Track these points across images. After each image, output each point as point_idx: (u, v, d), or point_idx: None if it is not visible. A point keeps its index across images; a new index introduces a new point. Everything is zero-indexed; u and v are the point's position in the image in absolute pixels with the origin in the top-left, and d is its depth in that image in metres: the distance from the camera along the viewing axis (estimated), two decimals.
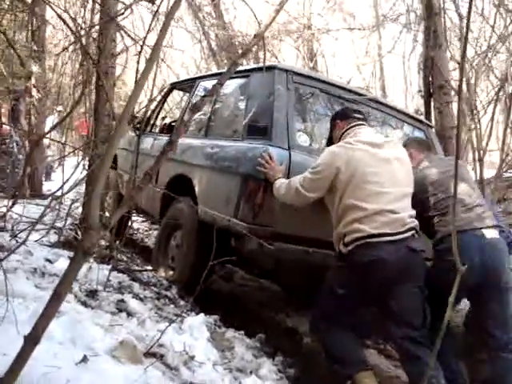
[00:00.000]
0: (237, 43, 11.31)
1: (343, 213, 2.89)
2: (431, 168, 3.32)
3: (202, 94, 4.47)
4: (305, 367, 3.36)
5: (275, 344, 3.62)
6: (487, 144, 9.98)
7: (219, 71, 5.07)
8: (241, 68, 4.04)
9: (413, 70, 11.74)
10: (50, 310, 1.29)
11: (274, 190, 3.19)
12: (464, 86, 10.68)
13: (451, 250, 2.72)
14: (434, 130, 4.90)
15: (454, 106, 6.69)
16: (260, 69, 3.87)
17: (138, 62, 3.45)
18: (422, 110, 10.16)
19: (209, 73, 5.72)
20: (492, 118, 10.37)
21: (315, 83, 3.78)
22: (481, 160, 9.03)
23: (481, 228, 3.03)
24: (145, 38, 4.07)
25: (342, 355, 2.94)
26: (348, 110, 3.35)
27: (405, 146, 3.46)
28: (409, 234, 2.85)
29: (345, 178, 2.88)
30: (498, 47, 9.75)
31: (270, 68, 3.66)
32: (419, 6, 9.01)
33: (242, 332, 3.48)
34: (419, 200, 3.12)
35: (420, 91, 10.46)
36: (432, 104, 6.22)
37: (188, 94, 5.13)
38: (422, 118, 5.08)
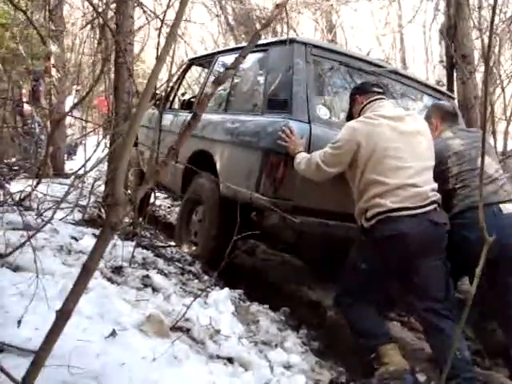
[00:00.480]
0: (254, 17, 11.18)
1: (364, 188, 2.88)
2: (454, 139, 3.24)
3: (222, 69, 4.48)
4: (329, 340, 3.39)
5: (299, 317, 3.66)
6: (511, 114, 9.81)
7: (238, 46, 5.06)
8: (259, 42, 3.69)
9: (434, 40, 11.50)
10: (80, 285, 1.31)
11: (295, 165, 3.19)
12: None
13: (468, 224, 2.83)
14: (456, 101, 4.83)
15: (478, 77, 6.57)
16: (279, 42, 3.86)
17: (158, 37, 3.44)
18: (444, 80, 10.02)
19: (227, 48, 5.70)
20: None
21: (334, 56, 3.75)
22: (506, 130, 8.90)
23: (498, 202, 2.97)
24: (164, 13, 4.07)
25: (366, 329, 2.97)
26: (367, 85, 3.30)
27: (428, 113, 3.43)
28: (431, 207, 2.83)
29: (366, 153, 2.86)
30: None
31: (289, 41, 3.62)
32: None
33: (267, 306, 3.52)
34: (439, 171, 3.06)
35: (442, 61, 10.25)
36: (455, 74, 6.08)
37: (207, 70, 5.12)
38: (444, 89, 5.02)
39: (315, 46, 3.67)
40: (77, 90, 10.92)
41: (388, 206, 2.77)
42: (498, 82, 9.19)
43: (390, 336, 3.00)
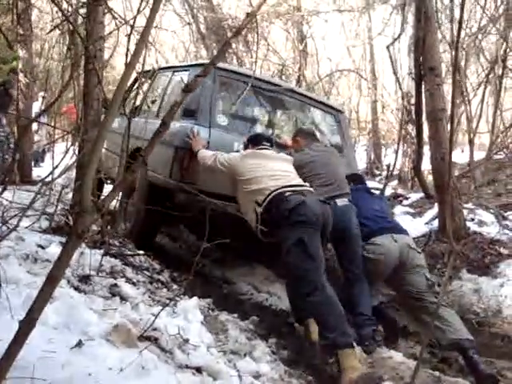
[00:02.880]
0: (226, 26, 11.20)
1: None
2: (309, 153, 4.30)
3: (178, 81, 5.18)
4: (298, 349, 3.39)
5: (268, 326, 3.65)
6: (477, 126, 10.06)
7: (195, 62, 5.95)
8: (184, 64, 5.83)
9: (403, 52, 11.70)
10: (45, 294, 1.28)
11: (199, 157, 4.16)
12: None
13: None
14: (344, 114, 5.89)
15: (445, 89, 6.71)
16: (197, 65, 5.12)
17: (128, 43, 3.42)
18: (412, 92, 10.21)
19: (185, 64, 6.50)
20: (482, 100, 10.45)
21: (238, 76, 4.78)
22: (471, 142, 9.12)
23: (334, 197, 4.04)
24: (134, 19, 4.05)
25: (330, 327, 3.19)
26: (260, 137, 4.24)
27: (295, 133, 4.60)
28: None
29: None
30: (488, 29, 9.77)
31: (202, 65, 4.46)
32: None
33: (235, 315, 3.51)
34: (301, 174, 4.02)
35: (411, 73, 10.46)
36: (423, 86, 6.21)
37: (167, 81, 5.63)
38: (334, 104, 6.21)
39: (222, 69, 4.70)
40: (43, 97, 10.75)
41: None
42: (464, 94, 9.44)
43: (350, 340, 3.17)
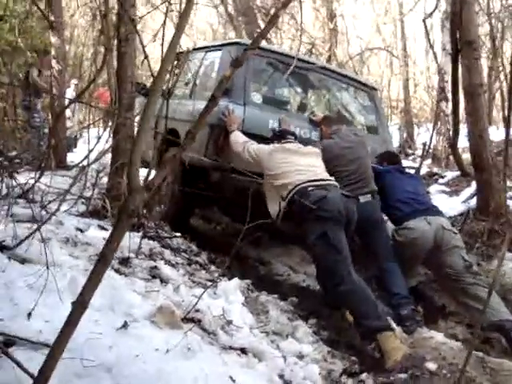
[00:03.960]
0: (254, 6, 11.07)
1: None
2: (337, 143, 4.24)
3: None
4: (339, 330, 3.37)
5: (308, 307, 3.64)
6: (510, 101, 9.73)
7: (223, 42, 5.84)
8: (216, 43, 5.63)
9: (436, 28, 11.42)
10: (97, 275, 1.27)
11: (231, 139, 4.12)
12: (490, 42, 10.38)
13: None
14: (378, 92, 5.80)
15: (483, 63, 6.50)
16: (228, 44, 5.01)
17: (164, 25, 3.41)
18: (446, 68, 9.95)
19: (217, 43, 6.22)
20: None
21: (271, 54, 4.74)
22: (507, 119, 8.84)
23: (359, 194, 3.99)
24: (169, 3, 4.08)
25: (364, 313, 3.19)
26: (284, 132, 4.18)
27: (320, 121, 4.54)
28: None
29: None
30: None
31: (235, 43, 4.84)
32: None
33: (275, 296, 3.49)
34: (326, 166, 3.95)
35: (444, 49, 10.21)
36: (459, 61, 6.01)
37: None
38: (368, 81, 6.17)
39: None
40: (76, 84, 10.83)
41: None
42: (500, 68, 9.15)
43: (387, 323, 3.17)
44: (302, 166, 3.76)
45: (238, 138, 4.12)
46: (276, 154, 3.85)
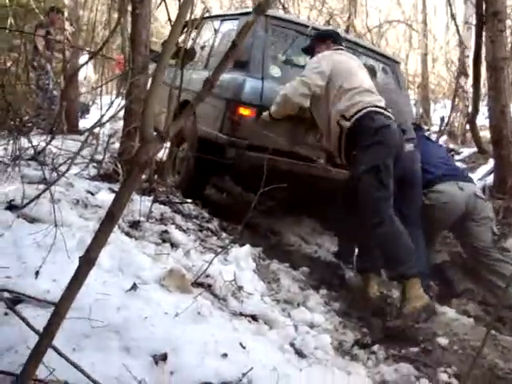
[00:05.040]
0: None
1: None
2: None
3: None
4: (350, 301, 3.31)
5: (319, 278, 3.59)
6: None
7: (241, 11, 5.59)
8: (232, 12, 5.63)
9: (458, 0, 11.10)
10: (105, 231, 1.21)
11: (274, 112, 3.88)
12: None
13: None
14: (400, 64, 5.58)
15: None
16: (246, 13, 4.77)
17: None
18: (467, 43, 9.71)
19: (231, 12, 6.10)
20: None
21: (290, 25, 4.56)
22: None
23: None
24: None
25: (396, 255, 3.15)
26: (339, 36, 4.00)
27: None
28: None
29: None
30: None
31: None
32: None
33: (287, 264, 3.45)
34: None
35: (467, 23, 9.95)
36: (484, 33, 5.83)
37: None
38: (390, 54, 6.13)
39: (274, 18, 4.44)
40: (90, 52, 10.66)
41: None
42: None
43: (417, 271, 3.10)
44: (367, 85, 3.55)
45: (275, 104, 3.86)
46: (338, 65, 3.59)
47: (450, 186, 3.82)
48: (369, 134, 3.28)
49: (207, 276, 2.46)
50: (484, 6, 5.64)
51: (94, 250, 1.23)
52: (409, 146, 3.80)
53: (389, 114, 3.44)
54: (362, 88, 3.48)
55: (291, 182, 3.87)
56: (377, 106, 3.40)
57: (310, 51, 4.05)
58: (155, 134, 1.16)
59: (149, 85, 4.91)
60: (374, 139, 3.26)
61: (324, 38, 3.96)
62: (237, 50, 1.14)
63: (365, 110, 3.34)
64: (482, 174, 6.60)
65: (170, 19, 3.69)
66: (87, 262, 1.23)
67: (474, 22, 6.46)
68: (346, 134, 3.39)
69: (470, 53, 8.58)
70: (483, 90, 8.15)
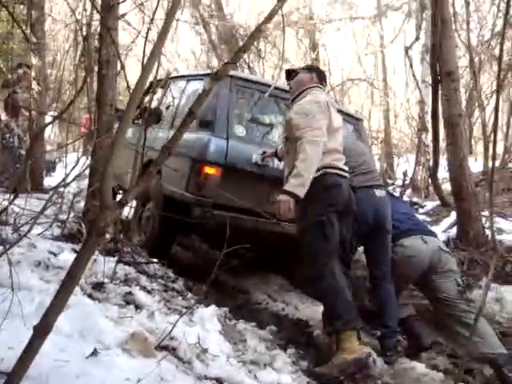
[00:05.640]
0: (238, 35, 11.16)
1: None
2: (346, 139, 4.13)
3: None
4: (318, 360, 3.27)
5: (286, 336, 3.55)
6: (491, 133, 9.92)
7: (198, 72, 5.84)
8: (197, 72, 5.68)
9: (415, 60, 11.60)
10: (62, 296, 1.18)
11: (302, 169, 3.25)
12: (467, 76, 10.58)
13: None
14: (363, 122, 5.68)
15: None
16: (210, 74, 4.60)
17: (144, 49, 3.38)
18: (426, 100, 10.09)
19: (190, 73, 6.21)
20: (496, 108, 10.29)
21: (254, 85, 4.61)
22: (486, 149, 8.98)
23: (372, 186, 3.88)
24: (147, 30, 4.07)
25: (337, 308, 3.18)
26: (322, 73, 3.80)
27: None
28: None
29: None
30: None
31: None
32: None
33: (253, 324, 3.40)
34: None
35: (424, 81, 10.37)
36: (440, 92, 6.10)
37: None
38: (353, 112, 6.28)
39: (237, 78, 4.53)
40: (55, 107, 10.69)
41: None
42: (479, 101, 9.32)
43: (356, 323, 3.15)
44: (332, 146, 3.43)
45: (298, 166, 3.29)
46: (325, 112, 3.40)
47: (414, 240, 3.86)
48: (318, 190, 3.25)
49: (171, 338, 2.40)
50: (438, 67, 5.92)
51: (52, 315, 1.21)
52: (380, 193, 3.89)
53: (344, 173, 3.43)
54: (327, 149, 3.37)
55: (257, 239, 4.05)
56: (334, 167, 3.37)
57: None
58: (121, 193, 1.16)
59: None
60: (321, 196, 3.26)
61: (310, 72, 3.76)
62: (193, 117, 1.15)
63: (322, 171, 3.29)
64: (446, 227, 6.72)
65: (128, 87, 3.73)
66: (44, 328, 1.20)
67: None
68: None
69: (429, 109, 8.92)
70: (442, 144, 8.42)
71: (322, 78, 3.75)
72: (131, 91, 1.39)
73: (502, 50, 2.28)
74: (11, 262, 2.18)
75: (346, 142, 3.96)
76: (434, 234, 4.10)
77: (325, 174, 3.29)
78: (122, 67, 3.76)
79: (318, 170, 3.26)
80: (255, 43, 10.22)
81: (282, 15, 1.68)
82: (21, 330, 1.95)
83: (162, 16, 4.64)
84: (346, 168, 3.49)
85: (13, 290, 2.00)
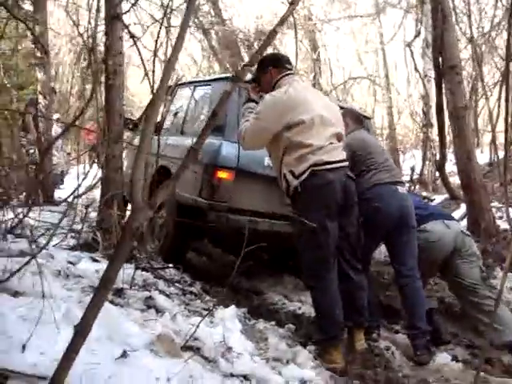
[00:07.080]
0: (238, 40, 11.23)
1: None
2: (368, 137, 4.10)
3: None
4: None
5: (305, 334, 3.58)
6: (496, 123, 9.94)
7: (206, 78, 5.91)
8: (206, 78, 5.68)
9: (416, 55, 11.63)
10: (99, 298, 1.23)
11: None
12: (470, 67, 10.60)
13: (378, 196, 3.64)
14: (371, 121, 5.69)
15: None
16: (219, 79, 4.99)
17: (153, 64, 3.45)
18: (429, 94, 10.11)
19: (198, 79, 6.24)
20: (499, 99, 10.32)
21: None
22: (493, 141, 8.99)
23: (395, 182, 3.81)
24: (156, 42, 4.17)
25: (328, 320, 3.19)
26: (283, 59, 3.56)
27: (343, 113, 3.87)
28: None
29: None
30: (501, 26, 9.67)
31: (226, 78, 4.74)
32: None
33: (273, 323, 3.44)
34: (355, 156, 3.75)
35: (426, 76, 10.40)
36: (443, 85, 6.13)
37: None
38: (361, 111, 5.86)
39: (246, 82, 4.38)
40: (57, 119, 10.80)
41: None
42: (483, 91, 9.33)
43: (337, 339, 3.16)
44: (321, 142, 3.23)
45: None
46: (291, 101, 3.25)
47: (436, 225, 3.87)
48: (309, 193, 3.13)
49: (195, 339, 2.45)
50: (441, 61, 5.95)
51: (88, 320, 1.25)
52: (402, 189, 3.85)
53: (336, 164, 3.19)
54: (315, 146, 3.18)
55: (272, 241, 3.93)
56: (323, 163, 3.14)
57: None
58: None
59: (125, 153, 5.01)
60: (313, 198, 3.12)
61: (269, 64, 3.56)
62: (217, 118, 1.20)
63: (309, 171, 3.13)
64: (456, 219, 6.74)
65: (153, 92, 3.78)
66: (82, 331, 1.25)
67: (433, 75, 6.81)
68: (292, 190, 3.22)
69: (433, 103, 8.95)
70: (448, 137, 8.45)
71: (280, 62, 3.51)
72: (150, 101, 1.44)
73: (510, 34, 2.29)
74: (40, 271, 2.23)
75: (369, 139, 4.08)
76: (454, 219, 4.13)
77: (313, 174, 3.11)
78: (146, 74, 3.81)
79: (306, 170, 3.13)
80: (256, 47, 10.29)
81: (294, 18, 1.72)
82: (51, 335, 2.00)
83: (165, 23, 4.68)
84: (342, 156, 3.27)
85: (43, 297, 2.05)
